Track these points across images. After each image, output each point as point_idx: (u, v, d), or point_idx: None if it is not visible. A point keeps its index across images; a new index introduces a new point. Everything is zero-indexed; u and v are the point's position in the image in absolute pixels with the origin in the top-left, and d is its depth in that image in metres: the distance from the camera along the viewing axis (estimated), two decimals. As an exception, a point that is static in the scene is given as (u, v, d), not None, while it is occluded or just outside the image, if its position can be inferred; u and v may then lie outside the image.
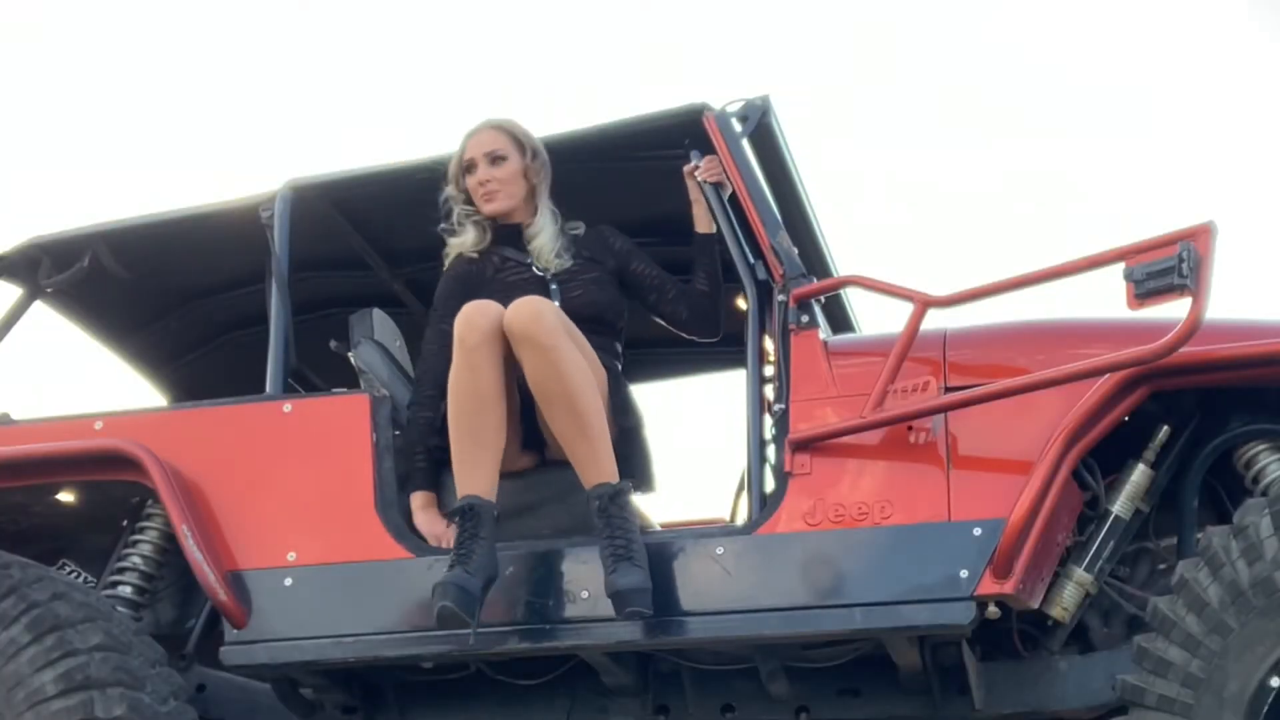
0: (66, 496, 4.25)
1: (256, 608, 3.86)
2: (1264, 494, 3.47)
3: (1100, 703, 3.59)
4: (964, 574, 3.42)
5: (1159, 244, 3.34)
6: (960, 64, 10.49)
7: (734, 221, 3.91)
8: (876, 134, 10.30)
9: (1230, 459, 3.62)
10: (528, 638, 3.68)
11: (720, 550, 3.61)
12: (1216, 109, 10.13)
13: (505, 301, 3.68)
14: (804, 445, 3.62)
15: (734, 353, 4.09)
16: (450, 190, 4.09)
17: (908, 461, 3.56)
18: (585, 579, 3.64)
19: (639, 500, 3.83)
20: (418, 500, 3.94)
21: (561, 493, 3.83)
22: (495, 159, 4.02)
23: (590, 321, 3.89)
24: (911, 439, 3.57)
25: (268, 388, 4.09)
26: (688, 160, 3.99)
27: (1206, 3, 10.11)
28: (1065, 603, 3.59)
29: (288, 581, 3.85)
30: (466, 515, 3.56)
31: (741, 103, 3.99)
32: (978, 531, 3.43)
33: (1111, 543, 3.61)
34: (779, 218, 3.93)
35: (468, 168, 4.06)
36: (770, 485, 3.69)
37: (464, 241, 4.07)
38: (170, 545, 4.07)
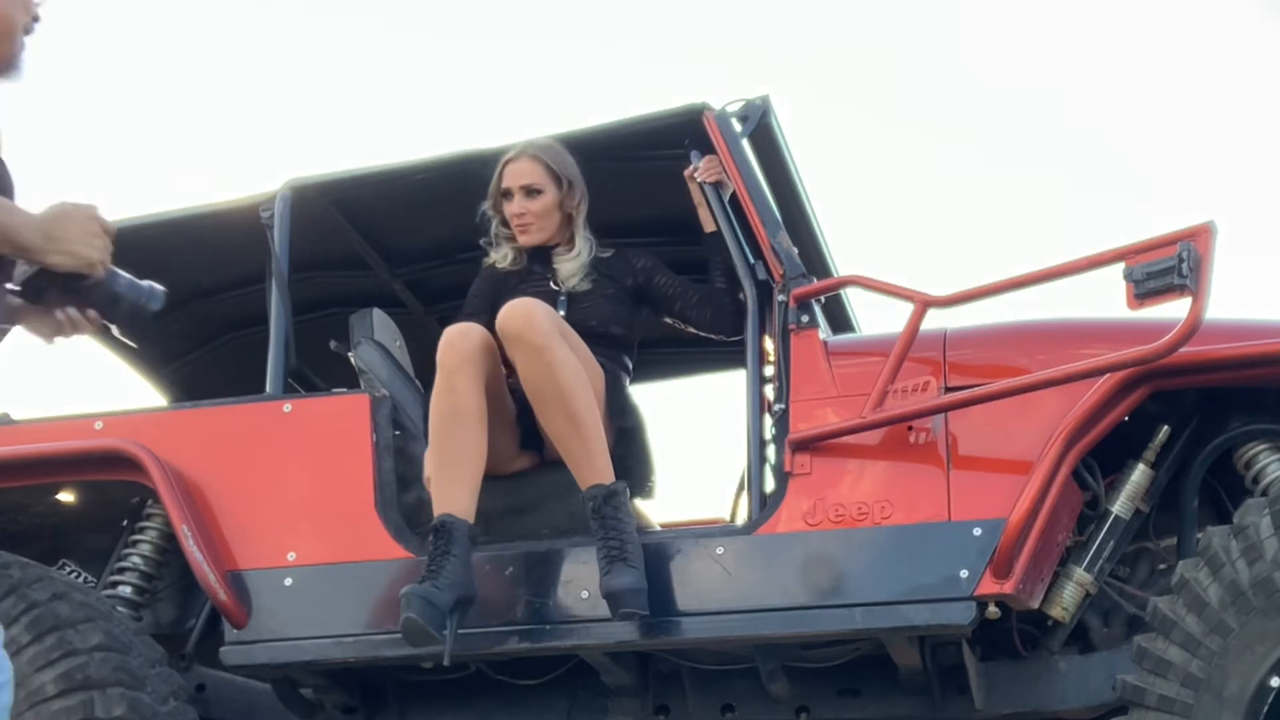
0: (66, 496, 4.26)
1: (256, 608, 3.85)
2: (1264, 494, 3.47)
3: (1100, 703, 3.59)
4: (964, 574, 3.42)
5: (1159, 244, 3.34)
6: (960, 64, 10.50)
7: (734, 221, 3.91)
8: (877, 134, 10.32)
9: (1230, 459, 3.62)
10: (528, 638, 3.68)
11: (720, 550, 3.61)
12: (1216, 109, 10.14)
13: None
14: (804, 445, 3.62)
15: (734, 353, 4.08)
16: (488, 208, 4.10)
17: (908, 461, 3.56)
18: (585, 579, 3.64)
19: (638, 501, 3.84)
20: None
21: (561, 492, 3.82)
22: (531, 192, 4.02)
23: (595, 333, 3.90)
24: (912, 439, 3.57)
25: (268, 388, 4.10)
26: (688, 161, 4.00)
27: (1207, 3, 10.12)
28: (1065, 603, 3.59)
29: (288, 581, 3.85)
30: (439, 533, 3.56)
31: (741, 103, 3.99)
32: (978, 531, 3.43)
33: (1111, 543, 3.61)
34: (779, 218, 3.93)
35: (505, 194, 4.06)
36: (770, 485, 3.69)
37: (501, 257, 4.10)
38: (170, 545, 4.07)
